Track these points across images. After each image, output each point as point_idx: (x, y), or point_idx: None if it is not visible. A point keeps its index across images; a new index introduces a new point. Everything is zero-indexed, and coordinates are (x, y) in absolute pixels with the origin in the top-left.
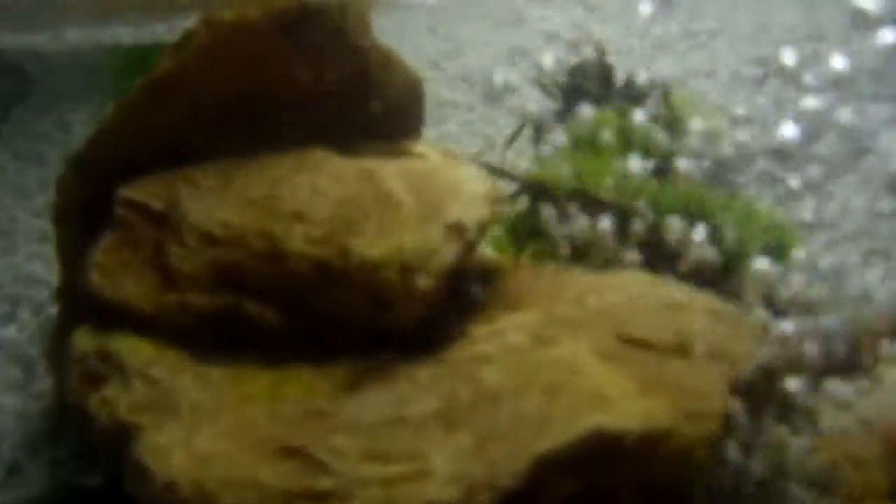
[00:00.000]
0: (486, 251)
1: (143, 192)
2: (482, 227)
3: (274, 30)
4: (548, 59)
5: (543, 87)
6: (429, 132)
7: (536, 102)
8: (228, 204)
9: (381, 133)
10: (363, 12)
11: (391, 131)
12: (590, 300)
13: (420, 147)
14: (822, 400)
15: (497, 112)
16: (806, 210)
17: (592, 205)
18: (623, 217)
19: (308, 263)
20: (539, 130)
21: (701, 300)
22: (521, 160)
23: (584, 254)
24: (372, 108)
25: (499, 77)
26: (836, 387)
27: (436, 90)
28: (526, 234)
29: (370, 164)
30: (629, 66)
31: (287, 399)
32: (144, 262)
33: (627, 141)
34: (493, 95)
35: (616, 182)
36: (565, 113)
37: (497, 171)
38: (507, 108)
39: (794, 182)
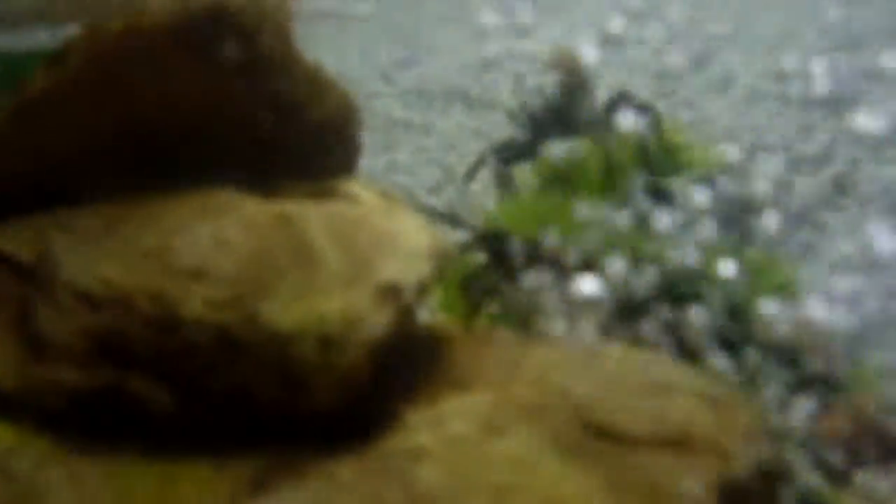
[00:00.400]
0: (431, 315)
1: (7, 239)
2: (423, 289)
3: (172, 40)
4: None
5: (511, 114)
6: (376, 161)
7: (505, 126)
8: (112, 257)
9: (305, 169)
10: (284, 20)
11: (317, 167)
12: (554, 378)
13: (352, 186)
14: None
15: (460, 136)
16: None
17: (554, 262)
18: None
19: (208, 333)
20: (507, 162)
21: (692, 381)
22: (486, 198)
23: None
24: (293, 138)
25: (462, 92)
26: (869, 480)
27: (386, 108)
28: (481, 292)
29: (288, 208)
30: (617, 83)
31: (178, 502)
32: (6, 326)
33: (609, 179)
34: (455, 115)
35: (588, 232)
36: (537, 141)
37: (446, 217)
38: (472, 130)
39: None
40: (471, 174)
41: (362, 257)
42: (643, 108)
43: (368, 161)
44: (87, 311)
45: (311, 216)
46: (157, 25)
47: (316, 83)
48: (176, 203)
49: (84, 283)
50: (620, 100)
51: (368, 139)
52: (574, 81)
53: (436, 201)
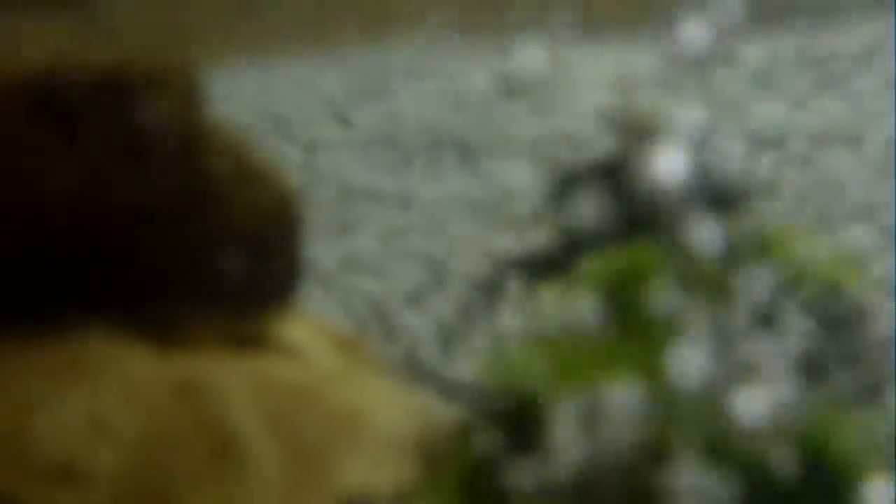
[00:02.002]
0: None
1: None
2: (403, 497)
3: (27, 106)
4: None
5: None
6: (326, 252)
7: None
8: None
9: (219, 297)
10: (190, 84)
11: (238, 294)
12: None
13: (291, 327)
14: None
15: (453, 210)
16: None
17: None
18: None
19: None
20: (532, 278)
21: None
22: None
23: None
24: (201, 250)
25: (454, 138)
26: None
27: (339, 166)
28: (492, 494)
29: (195, 369)
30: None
31: None
32: None
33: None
34: (445, 176)
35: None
36: (570, 254)
37: (437, 380)
38: (472, 201)
39: None
40: (471, 310)
41: (311, 453)
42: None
43: (314, 252)
44: None
45: (231, 383)
46: (8, 84)
47: (238, 168)
48: (31, 355)
49: None
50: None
51: (315, 217)
52: (641, 155)
53: (417, 322)
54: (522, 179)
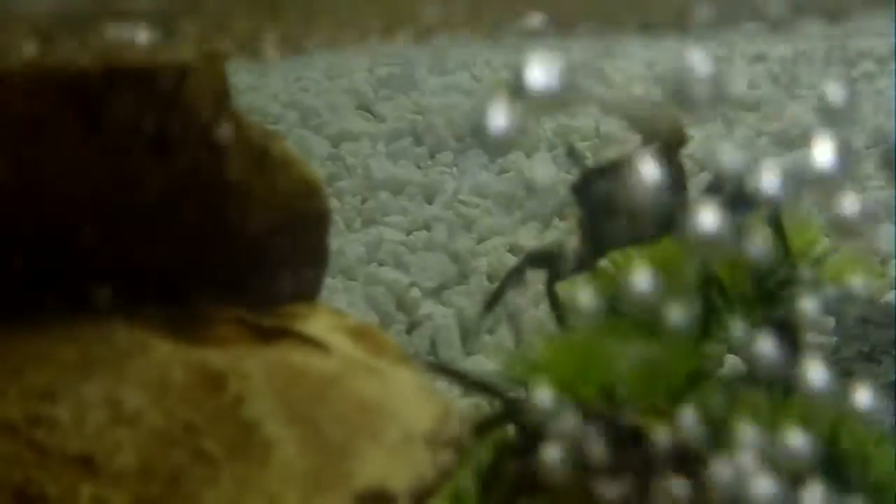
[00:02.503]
0: None
1: None
2: (424, 496)
3: (54, 101)
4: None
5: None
6: (350, 243)
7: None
8: None
9: (243, 288)
10: (217, 80)
11: (262, 286)
12: None
13: (315, 319)
14: None
15: (479, 204)
16: None
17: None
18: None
19: None
20: (551, 279)
21: None
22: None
23: None
24: (226, 242)
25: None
26: None
27: (365, 157)
28: (514, 489)
29: (219, 359)
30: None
31: None
32: None
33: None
34: (465, 168)
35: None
36: (592, 246)
37: (458, 377)
38: (499, 195)
39: None
40: (492, 303)
41: (332, 445)
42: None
43: (339, 243)
44: None
45: (254, 374)
46: (35, 79)
47: (263, 159)
48: (51, 343)
49: None
50: (730, 185)
51: (340, 208)
52: (670, 155)
53: (442, 311)
54: (547, 174)
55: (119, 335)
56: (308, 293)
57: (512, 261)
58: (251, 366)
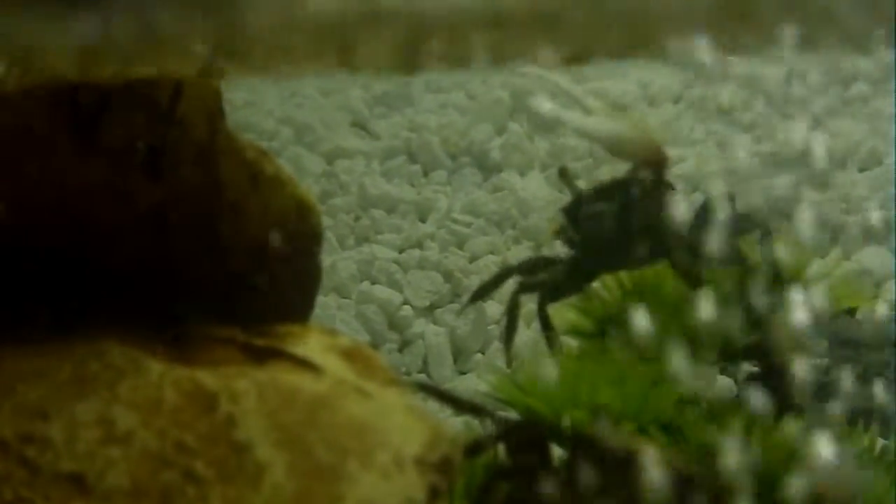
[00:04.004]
0: None
1: None
2: None
3: (46, 118)
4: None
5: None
6: (344, 260)
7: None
8: None
9: (233, 307)
10: (212, 98)
11: (252, 304)
12: None
13: (305, 339)
14: None
15: (472, 222)
16: None
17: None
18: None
19: None
20: (543, 301)
21: None
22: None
23: None
24: (217, 259)
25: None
26: None
27: (359, 175)
28: None
29: (212, 379)
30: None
31: None
32: None
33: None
34: (465, 189)
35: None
36: (593, 265)
37: (449, 398)
38: (490, 213)
39: None
40: (480, 294)
41: (322, 467)
42: (750, 223)
43: (331, 261)
44: None
45: (246, 395)
46: (28, 95)
47: (256, 177)
48: (44, 361)
49: None
50: (718, 209)
51: (333, 226)
52: (655, 178)
53: (434, 330)
54: (540, 193)
55: (112, 354)
56: (300, 312)
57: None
58: (243, 387)
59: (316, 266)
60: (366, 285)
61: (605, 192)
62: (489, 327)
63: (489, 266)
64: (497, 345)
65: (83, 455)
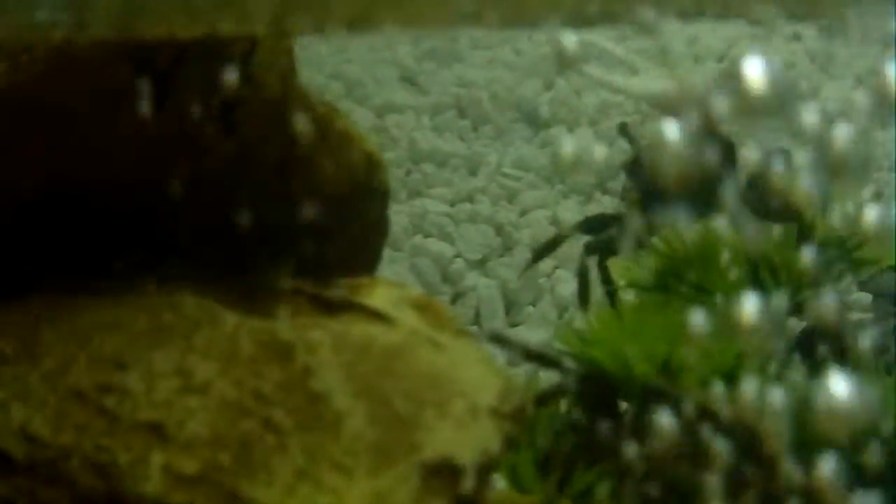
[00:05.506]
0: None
1: None
2: (489, 468)
3: (123, 73)
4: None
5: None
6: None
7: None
8: (31, 396)
9: (303, 260)
10: (285, 56)
11: (322, 257)
12: None
13: (376, 291)
14: None
15: (522, 177)
16: None
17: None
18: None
19: None
20: (603, 251)
21: None
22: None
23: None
24: (287, 213)
25: (525, 108)
26: None
27: (409, 129)
28: (571, 460)
29: (287, 330)
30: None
31: None
32: None
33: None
34: (515, 144)
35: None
36: (651, 220)
37: (521, 350)
38: (541, 169)
39: None
40: (542, 254)
41: (399, 417)
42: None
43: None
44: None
45: (321, 346)
46: (104, 52)
47: (327, 131)
48: (120, 312)
49: None
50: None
51: None
52: (711, 134)
53: (486, 283)
54: (588, 149)
55: (187, 305)
56: (368, 266)
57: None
58: (318, 337)
59: (383, 220)
60: (418, 239)
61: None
62: (539, 280)
63: (539, 220)
64: (548, 298)
65: (162, 404)
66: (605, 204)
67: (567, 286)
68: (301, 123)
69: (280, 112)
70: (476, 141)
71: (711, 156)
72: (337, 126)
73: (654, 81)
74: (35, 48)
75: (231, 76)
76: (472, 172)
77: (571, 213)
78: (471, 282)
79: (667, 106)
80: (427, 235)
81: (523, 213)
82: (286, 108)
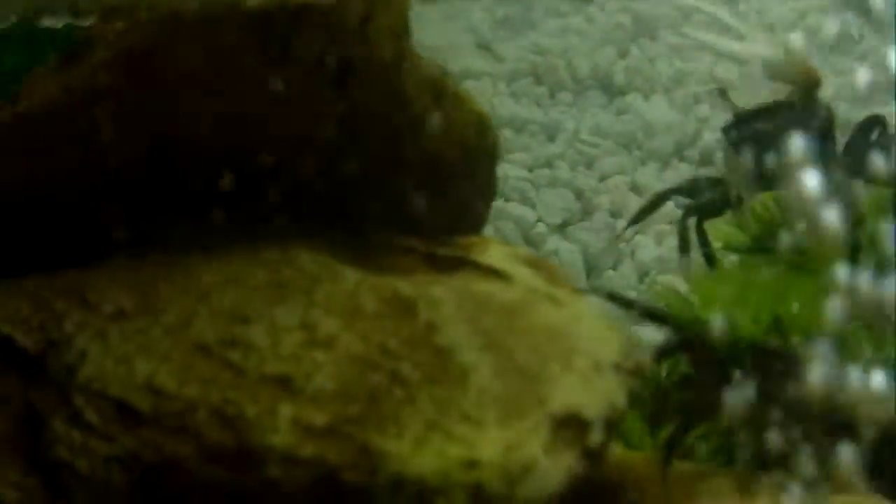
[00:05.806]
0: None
1: None
2: (614, 422)
3: (236, 36)
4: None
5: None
6: None
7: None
8: (154, 350)
9: (417, 219)
10: (399, 19)
11: (435, 216)
12: None
13: (489, 250)
14: None
15: (600, 144)
16: None
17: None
18: None
19: (301, 473)
20: (701, 214)
21: None
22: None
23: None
24: (402, 173)
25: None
26: None
27: (486, 96)
28: (682, 417)
29: (407, 286)
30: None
31: None
32: (6, 444)
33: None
34: (591, 111)
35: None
36: (747, 186)
37: (637, 308)
38: (618, 135)
39: None
40: (639, 217)
41: (525, 371)
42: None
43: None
44: (123, 431)
45: (444, 302)
46: (217, 14)
47: (439, 98)
48: (237, 268)
49: (117, 388)
50: (875, 128)
51: None
52: (808, 101)
53: (567, 247)
54: (664, 116)
55: (304, 260)
56: (476, 226)
57: (634, 200)
58: (439, 293)
59: (492, 181)
60: (500, 202)
61: (763, 112)
62: (620, 245)
63: (619, 186)
64: (628, 262)
65: (288, 358)
66: (683, 171)
67: (647, 251)
68: (413, 85)
69: (393, 73)
70: (553, 108)
71: (812, 121)
72: (448, 88)
73: (761, 46)
74: (154, 8)
75: (346, 39)
76: (551, 138)
77: (650, 179)
78: (552, 245)
79: (776, 71)
80: (508, 200)
81: (602, 178)
82: (399, 69)
